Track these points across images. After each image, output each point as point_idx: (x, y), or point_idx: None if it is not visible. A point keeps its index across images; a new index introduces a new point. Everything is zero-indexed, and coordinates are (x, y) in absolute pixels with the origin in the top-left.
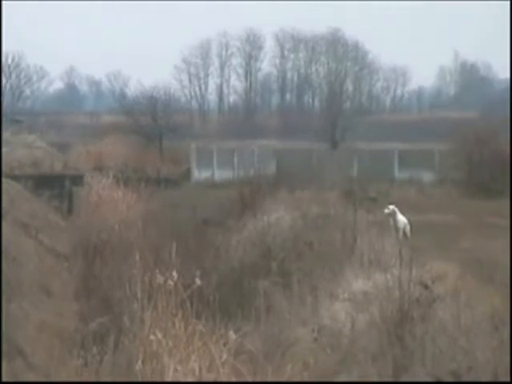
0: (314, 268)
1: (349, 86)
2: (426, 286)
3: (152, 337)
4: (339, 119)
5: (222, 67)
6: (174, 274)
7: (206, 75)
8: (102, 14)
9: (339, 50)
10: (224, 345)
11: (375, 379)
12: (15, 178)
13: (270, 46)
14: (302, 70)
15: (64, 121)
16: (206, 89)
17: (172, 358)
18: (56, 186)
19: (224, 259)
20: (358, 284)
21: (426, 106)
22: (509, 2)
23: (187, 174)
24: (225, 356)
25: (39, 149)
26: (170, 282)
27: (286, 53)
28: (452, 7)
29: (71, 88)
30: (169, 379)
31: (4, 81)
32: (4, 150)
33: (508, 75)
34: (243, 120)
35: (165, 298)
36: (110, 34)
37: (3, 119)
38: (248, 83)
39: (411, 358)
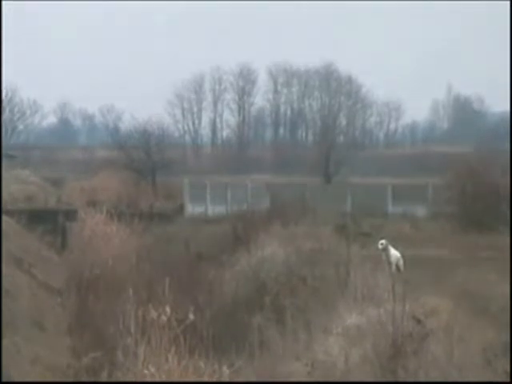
0: (307, 303)
1: (342, 120)
2: (419, 321)
3: (146, 371)
4: (333, 154)
5: (215, 102)
6: (168, 309)
7: (200, 110)
8: (95, 46)
9: (332, 85)
10: (217, 380)
11: None
12: (8, 212)
13: (262, 81)
14: (295, 105)
15: (57, 156)
16: (200, 123)
17: None
18: (49, 221)
19: (217, 294)
20: (352, 319)
21: (419, 140)
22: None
23: (180, 208)
24: None
25: (33, 184)
26: (164, 317)
27: (279, 87)
28: (445, 41)
29: (64, 122)
30: None
31: None
32: None
33: (501, 109)
34: (236, 154)
35: (158, 333)
36: (103, 67)
37: None
38: (241, 117)
39: None
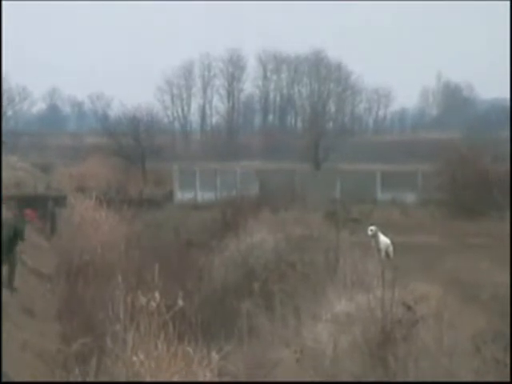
0: (296, 289)
1: (331, 106)
2: (409, 307)
3: (135, 358)
4: (322, 140)
5: (204, 88)
6: (157, 295)
7: (189, 96)
8: (85, 34)
9: (322, 71)
10: (207, 366)
11: None
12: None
13: (252, 67)
14: (285, 91)
15: (46, 142)
16: (189, 110)
17: (154, 379)
18: (39, 207)
19: (207, 280)
20: (341, 305)
21: (408, 126)
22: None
23: (170, 195)
24: (208, 377)
25: (22, 170)
26: (153, 303)
27: (268, 74)
28: (434, 28)
29: (54, 109)
30: None
31: None
32: None
33: (491, 96)
34: (226, 141)
35: (147, 319)
36: (92, 54)
37: None
38: (230, 104)
39: (394, 380)
